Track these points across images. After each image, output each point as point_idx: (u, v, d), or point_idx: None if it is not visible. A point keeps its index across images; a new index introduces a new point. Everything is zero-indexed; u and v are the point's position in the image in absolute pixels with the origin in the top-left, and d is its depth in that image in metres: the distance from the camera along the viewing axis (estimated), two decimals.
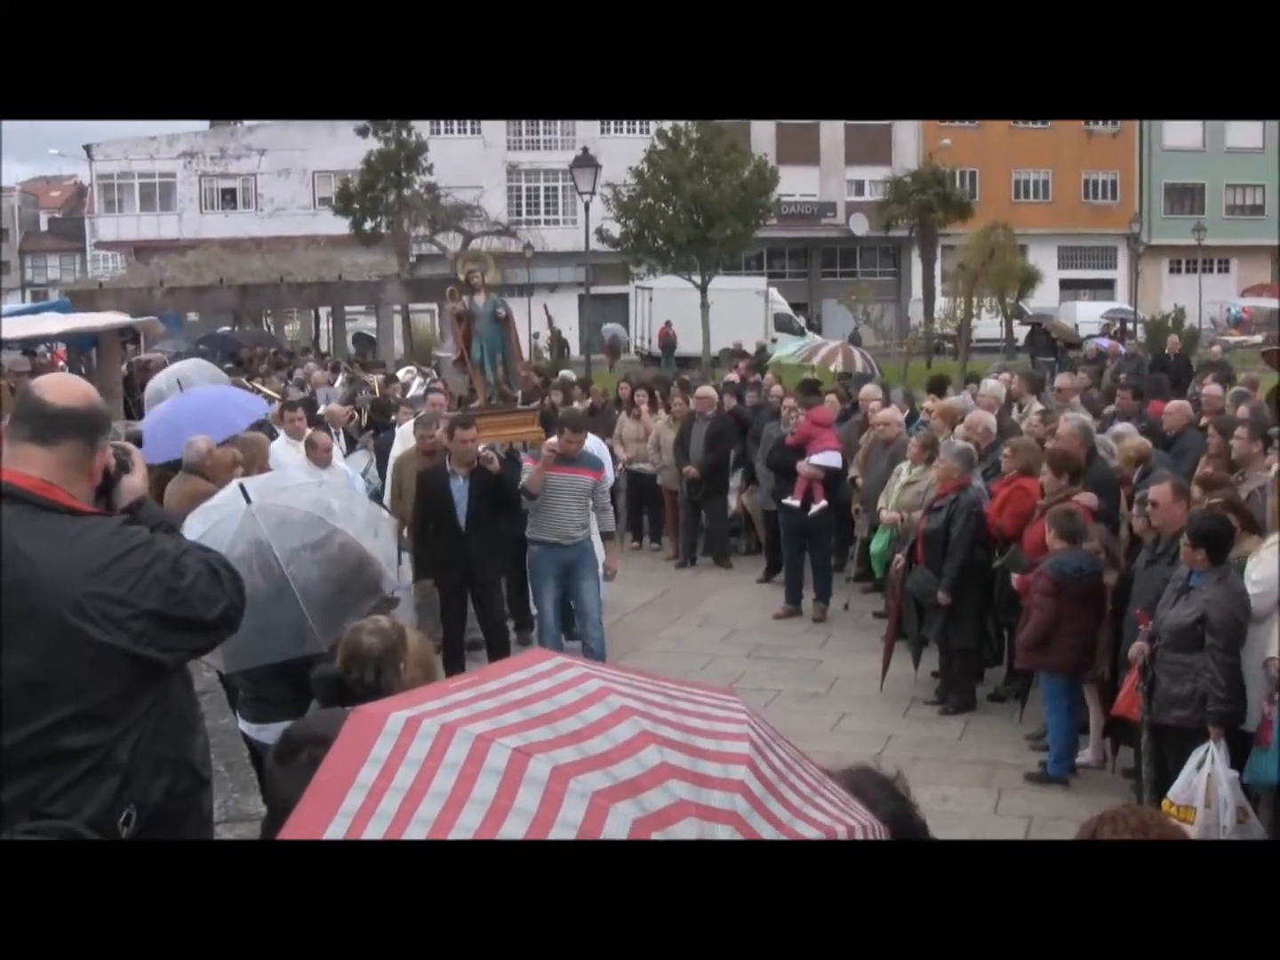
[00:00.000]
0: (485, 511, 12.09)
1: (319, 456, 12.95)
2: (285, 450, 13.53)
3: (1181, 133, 71.48)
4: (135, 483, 4.23)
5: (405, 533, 12.60)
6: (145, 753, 3.90)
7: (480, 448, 12.20)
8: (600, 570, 12.96)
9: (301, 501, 7.36)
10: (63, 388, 4.09)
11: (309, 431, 13.92)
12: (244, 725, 7.49)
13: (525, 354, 15.41)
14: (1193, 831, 7.94)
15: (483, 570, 12.20)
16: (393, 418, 17.51)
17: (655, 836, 2.07)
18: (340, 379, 24.23)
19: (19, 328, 30.49)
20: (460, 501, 12.02)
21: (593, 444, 14.17)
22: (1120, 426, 14.14)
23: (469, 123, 67.17)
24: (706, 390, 19.20)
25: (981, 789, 10.29)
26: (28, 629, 3.76)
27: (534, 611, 13.34)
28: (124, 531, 3.93)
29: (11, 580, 3.77)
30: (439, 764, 2.16)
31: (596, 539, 13.03)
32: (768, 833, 2.18)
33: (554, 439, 12.66)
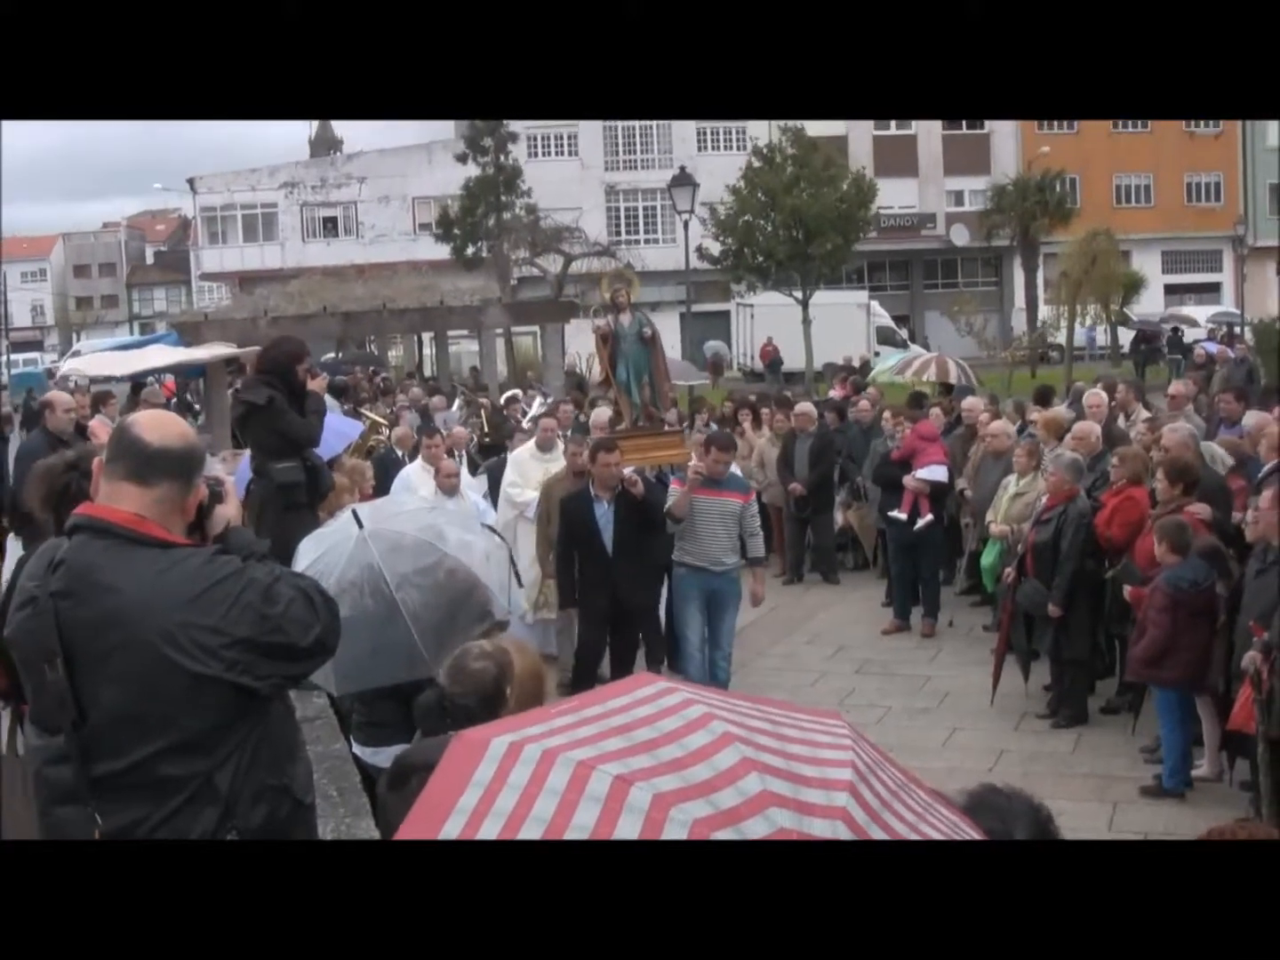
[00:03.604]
0: (632, 536, 11.71)
1: (444, 483, 12.52)
2: (420, 475, 13.33)
3: None
4: (228, 512, 4.22)
5: (552, 558, 12.31)
6: (246, 780, 3.91)
7: (626, 470, 11.91)
8: (744, 599, 12.43)
9: (413, 527, 7.44)
10: (160, 427, 4.07)
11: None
12: (358, 749, 7.53)
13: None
14: None
15: (632, 598, 11.81)
16: (507, 442, 17.25)
17: None
18: (457, 402, 24.24)
19: (128, 361, 31.09)
20: (605, 527, 11.67)
21: None
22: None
23: (566, 144, 67.72)
24: (806, 407, 19.00)
25: (1096, 803, 10.15)
26: (121, 662, 3.79)
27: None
28: (215, 561, 3.92)
29: (101, 614, 3.80)
30: (540, 790, 2.17)
31: None
32: None
33: (698, 461, 12.18)
